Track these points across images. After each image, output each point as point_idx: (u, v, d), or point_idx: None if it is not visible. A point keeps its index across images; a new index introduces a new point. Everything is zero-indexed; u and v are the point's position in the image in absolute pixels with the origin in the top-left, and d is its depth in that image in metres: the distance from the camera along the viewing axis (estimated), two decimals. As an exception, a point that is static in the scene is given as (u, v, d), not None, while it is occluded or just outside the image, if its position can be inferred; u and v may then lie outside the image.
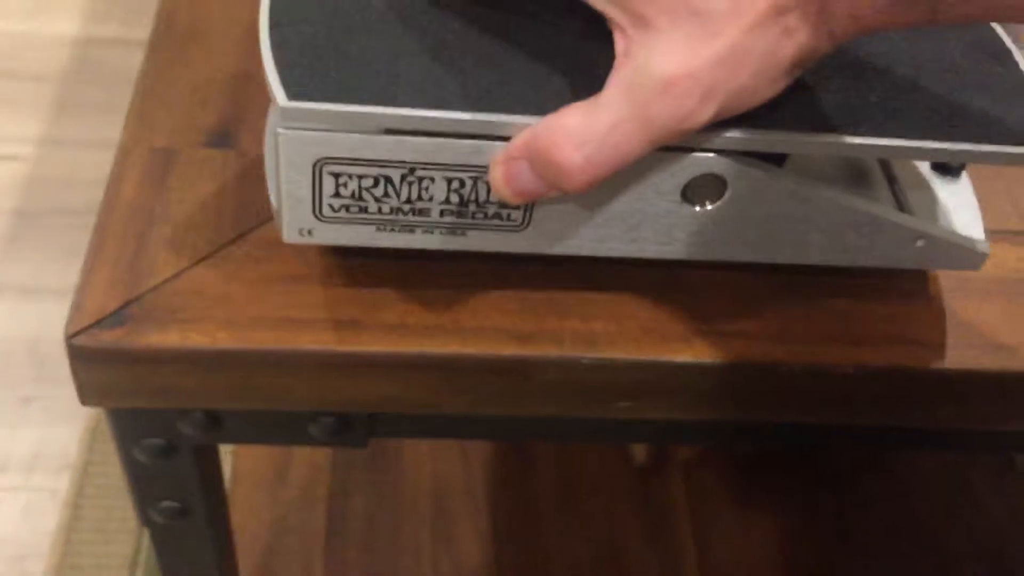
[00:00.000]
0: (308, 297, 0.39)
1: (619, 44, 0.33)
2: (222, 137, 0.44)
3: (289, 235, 0.37)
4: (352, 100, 0.33)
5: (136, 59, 0.48)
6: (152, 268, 0.39)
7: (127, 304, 0.38)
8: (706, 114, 0.32)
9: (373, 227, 0.37)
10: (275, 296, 0.39)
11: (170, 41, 0.48)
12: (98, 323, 0.37)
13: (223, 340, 0.38)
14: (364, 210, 0.36)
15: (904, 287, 0.42)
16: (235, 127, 0.45)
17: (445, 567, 0.74)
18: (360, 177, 0.35)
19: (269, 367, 0.38)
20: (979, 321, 0.41)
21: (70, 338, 0.37)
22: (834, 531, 0.79)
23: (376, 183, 0.35)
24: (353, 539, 0.76)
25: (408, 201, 0.36)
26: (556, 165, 0.33)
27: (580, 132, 0.32)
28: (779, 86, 0.33)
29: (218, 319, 0.38)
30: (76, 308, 0.38)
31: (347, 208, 0.36)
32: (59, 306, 0.99)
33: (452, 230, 0.37)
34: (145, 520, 0.47)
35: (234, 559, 0.56)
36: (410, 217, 0.37)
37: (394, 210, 0.37)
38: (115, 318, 0.38)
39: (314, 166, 0.35)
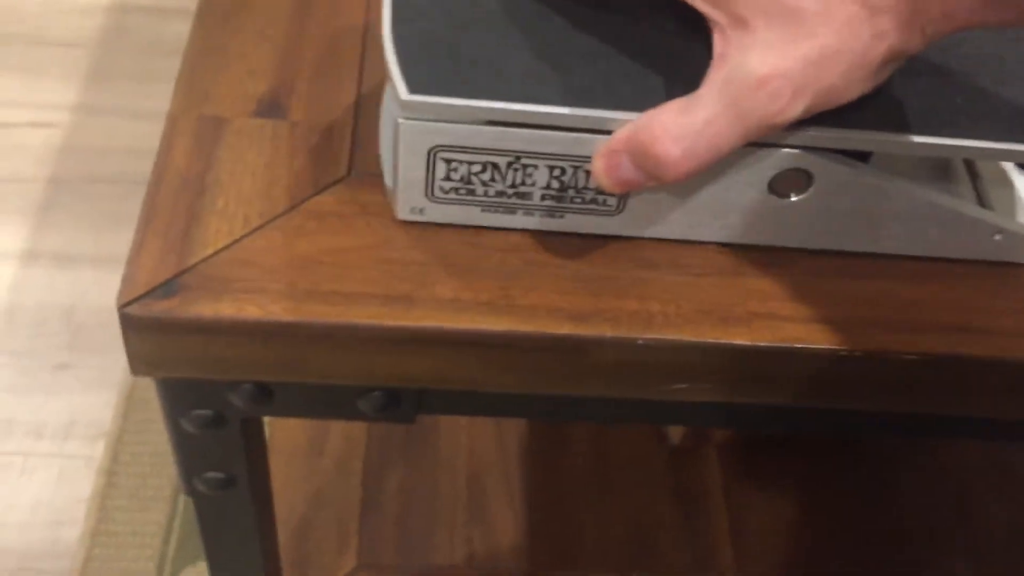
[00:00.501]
0: (361, 271, 0.39)
1: (717, 44, 0.35)
2: (272, 106, 0.44)
3: (403, 212, 0.40)
4: (464, 95, 0.36)
5: (171, 28, 0.47)
6: (204, 238, 0.39)
7: (179, 274, 0.38)
8: (796, 110, 0.34)
9: (479, 208, 0.40)
10: (328, 269, 0.39)
11: (218, 8, 0.48)
12: (150, 293, 0.37)
13: (276, 313, 0.37)
14: (472, 193, 0.39)
15: (970, 273, 0.41)
16: (285, 96, 0.44)
17: (477, 543, 0.74)
18: (470, 163, 0.38)
19: (321, 341, 0.38)
20: (1046, 309, 0.40)
21: (122, 308, 0.37)
22: (872, 516, 0.78)
23: (484, 169, 0.38)
24: (388, 513, 0.75)
25: (512, 186, 0.39)
26: (655, 158, 0.35)
27: (678, 127, 0.34)
28: (869, 85, 0.34)
29: (271, 291, 0.38)
30: (128, 278, 0.37)
31: (456, 191, 0.39)
32: (94, 274, 0.99)
33: (551, 212, 0.40)
34: (190, 490, 0.47)
35: (274, 530, 0.56)
36: (513, 200, 0.39)
37: (499, 193, 0.39)
38: (167, 288, 0.37)
39: (429, 152, 0.37)
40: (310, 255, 0.39)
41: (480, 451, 0.79)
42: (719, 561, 0.75)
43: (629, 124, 0.36)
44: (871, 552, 0.77)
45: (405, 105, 0.36)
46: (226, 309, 0.37)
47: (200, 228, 0.39)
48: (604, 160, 0.36)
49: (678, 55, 0.38)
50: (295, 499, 0.75)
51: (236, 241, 0.39)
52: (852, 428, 0.44)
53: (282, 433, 0.78)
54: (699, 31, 0.37)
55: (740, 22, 0.33)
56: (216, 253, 0.38)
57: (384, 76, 0.40)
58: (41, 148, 1.14)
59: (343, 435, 0.78)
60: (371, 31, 0.48)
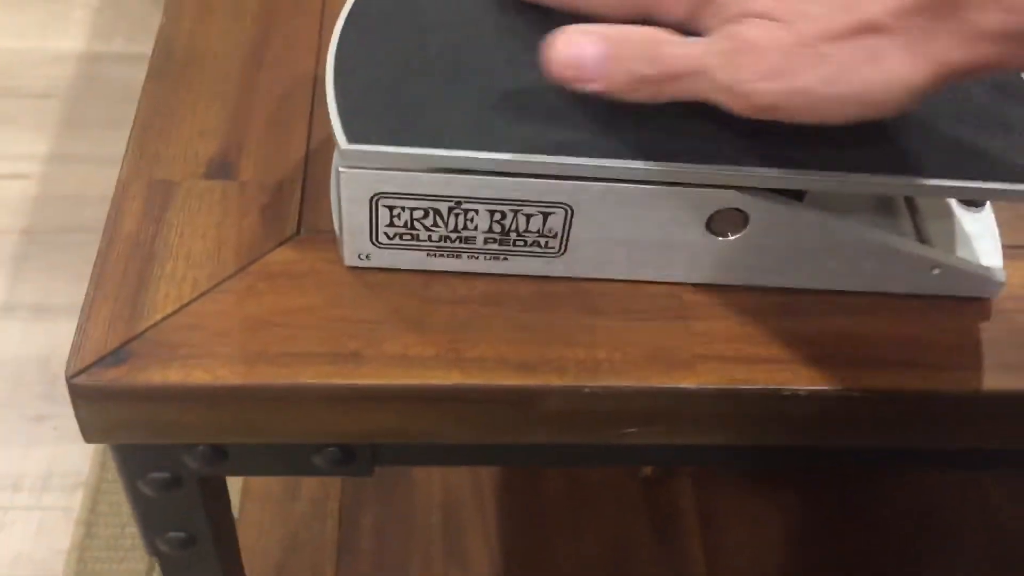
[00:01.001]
0: (310, 330, 0.39)
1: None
2: (222, 167, 0.44)
3: (349, 259, 0.41)
4: (403, 143, 0.37)
5: (143, 74, 0.48)
6: (153, 304, 0.39)
7: (128, 341, 0.38)
8: (762, 91, 0.33)
9: (424, 252, 0.40)
10: (277, 329, 0.39)
11: (169, 68, 0.48)
12: (99, 362, 0.37)
13: (225, 376, 0.38)
14: (416, 238, 0.40)
15: (912, 308, 0.42)
16: (235, 156, 0.45)
17: (456, 581, 0.74)
18: (412, 209, 0.39)
19: (271, 402, 0.38)
20: (990, 340, 0.41)
21: (71, 378, 0.37)
22: (845, 538, 0.79)
23: (426, 214, 0.39)
24: (364, 554, 0.76)
25: (455, 230, 0.39)
26: (630, 63, 0.34)
27: (669, 51, 0.34)
28: (854, 103, 0.33)
29: (220, 355, 0.38)
30: (76, 348, 0.38)
31: (400, 236, 0.40)
32: (70, 324, 0.99)
33: (495, 256, 0.41)
34: (153, 550, 0.47)
35: (244, 581, 0.57)
36: (457, 244, 0.40)
37: (442, 238, 0.40)
38: (116, 356, 0.38)
39: (371, 200, 0.38)
40: (260, 316, 0.39)
41: (455, 485, 0.79)
42: (696, 586, 0.76)
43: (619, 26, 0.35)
44: (844, 570, 0.77)
45: (344, 154, 0.37)
46: (174, 375, 0.37)
47: (149, 294, 0.40)
48: (570, 34, 0.35)
49: (617, 102, 0.38)
50: (270, 544, 0.75)
51: (185, 305, 0.39)
52: (806, 461, 0.45)
53: (257, 479, 0.79)
54: None
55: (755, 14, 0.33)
56: (165, 319, 0.39)
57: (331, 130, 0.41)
58: (15, 200, 1.14)
59: (318, 477, 0.79)
60: (321, 81, 0.48)
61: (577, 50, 0.35)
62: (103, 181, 0.44)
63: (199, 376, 0.37)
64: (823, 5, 0.32)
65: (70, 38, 1.31)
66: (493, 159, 0.37)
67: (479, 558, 0.76)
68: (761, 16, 0.33)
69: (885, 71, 0.32)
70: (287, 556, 0.75)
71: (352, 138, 0.36)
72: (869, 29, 0.32)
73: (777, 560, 0.77)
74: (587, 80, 0.35)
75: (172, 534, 0.46)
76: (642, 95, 0.35)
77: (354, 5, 0.41)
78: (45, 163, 1.18)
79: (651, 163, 0.37)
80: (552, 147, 0.37)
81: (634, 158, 0.37)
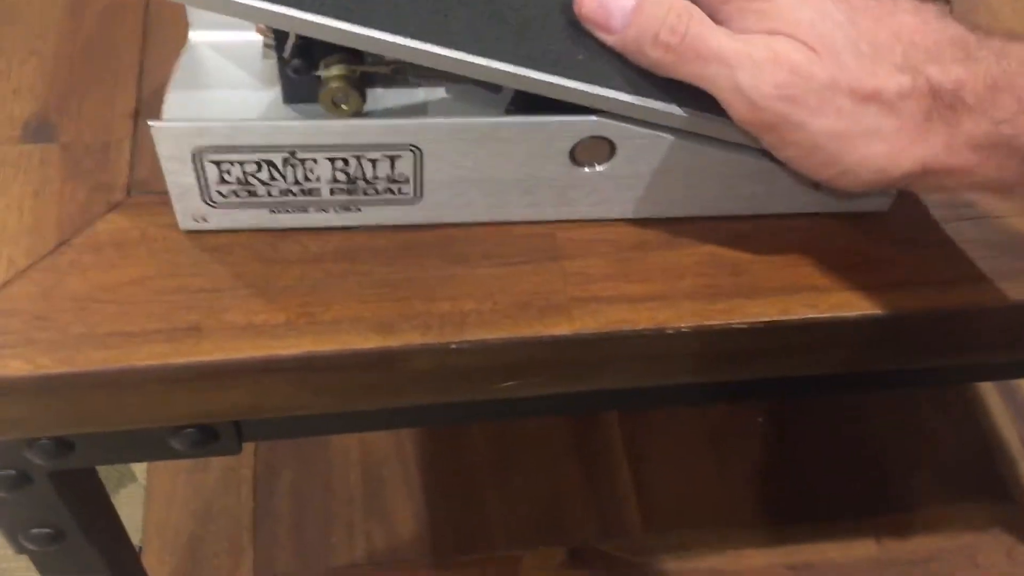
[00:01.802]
0: (143, 305, 0.35)
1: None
2: (41, 129, 0.40)
3: (184, 223, 0.37)
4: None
5: None
6: (-38, 290, 0.35)
7: (-65, 335, 0.34)
8: (774, 109, 0.32)
9: (266, 209, 0.37)
10: (106, 307, 0.35)
11: (-20, 23, 0.43)
12: (-100, 361, 0.33)
13: (47, 365, 0.34)
14: (253, 194, 0.36)
15: (797, 227, 0.39)
16: (56, 116, 0.40)
17: (378, 538, 0.72)
18: (242, 163, 0.35)
19: (102, 389, 0.35)
20: (880, 258, 0.38)
21: None
22: (776, 462, 0.77)
23: (260, 168, 0.35)
24: (282, 518, 0.73)
25: (296, 182, 0.36)
26: (655, 27, 0.33)
27: (697, 31, 0.33)
28: (838, 168, 0.33)
29: (41, 341, 0.34)
30: None
31: (236, 193, 0.36)
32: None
33: (346, 206, 0.37)
34: (19, 548, 0.44)
35: (136, 565, 0.53)
36: (301, 198, 0.36)
37: (283, 192, 0.36)
38: (-79, 353, 0.34)
39: (193, 156, 0.34)
40: (85, 294, 0.35)
41: (373, 440, 0.76)
42: (626, 522, 0.74)
43: None
44: (782, 497, 0.76)
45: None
46: (-12, 369, 0.33)
47: (-42, 279, 0.35)
48: None
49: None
50: (182, 517, 0.72)
51: (1, 288, 0.35)
52: (699, 400, 0.42)
53: (161, 451, 0.75)
54: None
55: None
56: (-25, 306, 0.35)
57: (164, 78, 0.37)
58: None
59: (226, 445, 0.75)
60: (150, 24, 0.44)
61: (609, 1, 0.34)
62: None
63: (17, 367, 0.34)
64: (854, 56, 0.32)
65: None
66: (357, 33, 0.32)
67: (403, 513, 0.73)
68: (792, 36, 0.32)
69: (879, 152, 0.32)
70: (202, 527, 0.72)
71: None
72: (883, 101, 0.32)
73: (705, 492, 0.75)
74: (606, 30, 0.34)
75: (35, 531, 0.43)
76: (647, 62, 0.34)
77: None
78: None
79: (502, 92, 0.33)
80: (435, 36, 0.33)
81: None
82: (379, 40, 0.32)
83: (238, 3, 0.31)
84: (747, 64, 0.32)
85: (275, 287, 0.36)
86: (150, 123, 0.33)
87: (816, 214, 0.39)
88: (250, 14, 0.32)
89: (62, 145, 0.39)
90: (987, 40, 0.32)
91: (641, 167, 0.37)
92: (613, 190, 0.37)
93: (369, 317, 0.36)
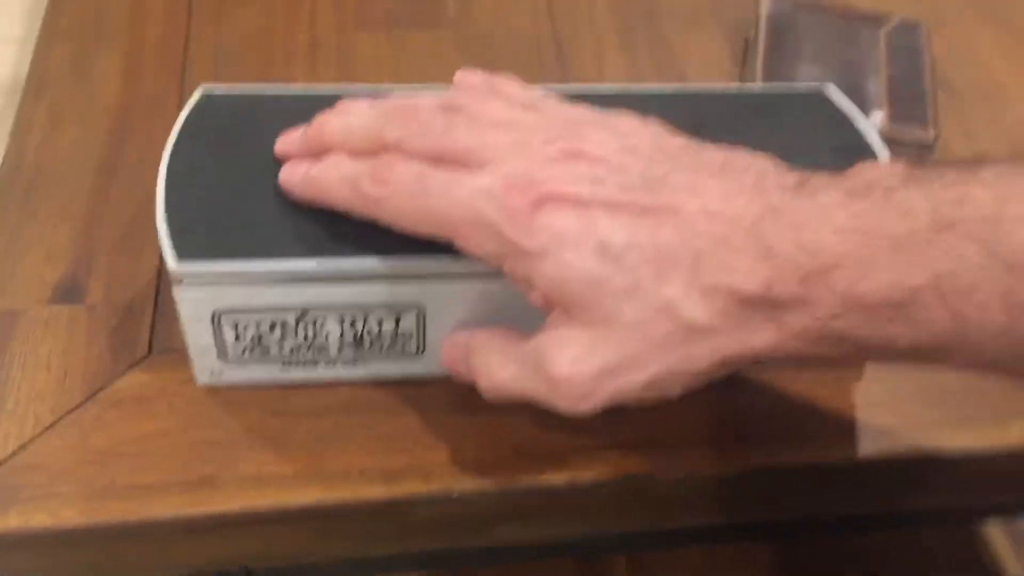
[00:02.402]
0: (161, 457, 0.37)
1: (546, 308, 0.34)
2: (70, 291, 0.43)
3: (201, 378, 0.39)
4: (240, 255, 0.35)
5: None
6: (-8, 445, 0.37)
7: (-36, 490, 0.36)
8: (582, 410, 0.33)
9: (278, 365, 0.39)
10: (126, 460, 0.37)
11: (15, 189, 0.47)
12: (-69, 515, 0.35)
13: (69, 518, 0.36)
14: (267, 352, 0.38)
15: (780, 377, 0.41)
16: (84, 278, 0.43)
17: None
18: (257, 323, 0.37)
19: (122, 540, 0.36)
20: (862, 406, 0.40)
21: (-100, 537, 0.35)
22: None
23: (273, 327, 0.37)
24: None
25: (306, 340, 0.38)
26: (476, 381, 0.36)
27: (494, 369, 0.35)
28: (676, 393, 0.33)
29: (63, 494, 0.36)
30: (-95, 503, 0.35)
31: (250, 350, 0.38)
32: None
33: (353, 361, 0.39)
34: None
35: None
36: (311, 354, 0.39)
37: (294, 349, 0.38)
38: (-49, 507, 0.36)
39: (212, 317, 0.37)
40: (107, 448, 0.38)
41: None
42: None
43: (469, 335, 0.37)
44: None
45: (176, 275, 0.35)
46: (13, 522, 0.35)
47: (-12, 435, 0.38)
48: (449, 350, 0.38)
49: None
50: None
51: (27, 444, 0.37)
52: (700, 540, 0.44)
53: None
54: None
55: (562, 311, 0.33)
56: (5, 461, 0.37)
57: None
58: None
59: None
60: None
61: (459, 368, 0.37)
62: None
63: (41, 520, 0.35)
64: (639, 304, 0.31)
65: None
66: (330, 265, 0.36)
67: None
68: (563, 312, 0.32)
69: (704, 366, 0.31)
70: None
71: (183, 255, 0.35)
72: (690, 330, 0.31)
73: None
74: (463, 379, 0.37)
75: None
76: None
77: (187, 119, 0.40)
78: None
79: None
80: (393, 249, 0.36)
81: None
82: (349, 265, 0.36)
83: (224, 272, 0.36)
84: (538, 394, 0.33)
85: (286, 439, 0.38)
86: (174, 289, 0.36)
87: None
88: (238, 279, 0.36)
89: (88, 306, 0.42)
90: (779, 219, 0.30)
91: None
92: None
93: (375, 467, 0.38)
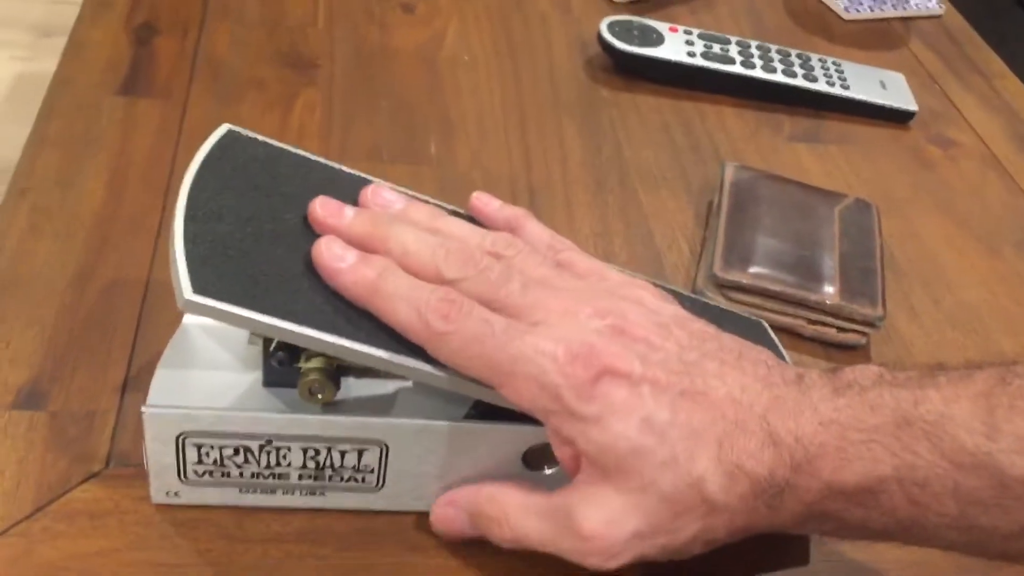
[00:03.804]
0: (109, 574, 0.37)
1: (567, 467, 0.37)
2: (32, 396, 0.43)
3: (157, 497, 0.39)
4: (252, 308, 0.35)
5: None
6: (-65, 552, 0.37)
7: (-99, 597, 0.35)
8: (609, 567, 0.35)
9: (236, 489, 0.39)
10: (71, 576, 0.37)
11: (-12, 291, 0.47)
12: None
13: (5, 634, 0.35)
14: (227, 475, 0.38)
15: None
16: (47, 386, 0.43)
17: None
18: (221, 447, 0.37)
19: (57, 660, 0.36)
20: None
21: None
22: None
23: (236, 452, 0.38)
24: None
25: (268, 467, 0.38)
26: (489, 532, 0.38)
27: (515, 522, 0.37)
28: (685, 556, 0.36)
29: (3, 609, 0.35)
30: None
31: (210, 473, 0.38)
32: None
33: (312, 491, 0.40)
34: None
35: None
36: (271, 480, 0.39)
37: (255, 475, 0.39)
38: None
39: (177, 438, 0.37)
40: (53, 562, 0.37)
41: None
42: None
43: (474, 489, 0.38)
44: None
45: (187, 305, 0.34)
46: (-53, 635, 0.34)
47: (-68, 540, 0.37)
48: (442, 511, 0.39)
49: None
50: None
51: (-29, 553, 0.37)
52: None
53: None
54: None
55: (602, 473, 0.35)
56: (-54, 569, 0.36)
57: (155, 355, 0.40)
58: None
59: None
60: (148, 303, 0.48)
61: (454, 527, 0.39)
62: None
63: (-25, 636, 0.35)
64: (672, 476, 0.34)
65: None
66: (339, 345, 0.36)
67: None
68: (603, 475, 0.35)
69: (717, 538, 0.35)
70: None
71: (198, 289, 0.34)
72: (711, 508, 0.34)
73: None
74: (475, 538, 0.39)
75: None
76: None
77: (210, 152, 0.40)
78: None
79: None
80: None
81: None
82: (359, 352, 0.36)
83: (233, 314, 0.35)
84: (564, 548, 0.36)
85: (237, 565, 0.38)
86: (143, 409, 0.36)
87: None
88: (245, 325, 0.35)
89: (50, 413, 0.42)
90: (780, 408, 0.34)
91: None
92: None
93: (324, 602, 0.37)
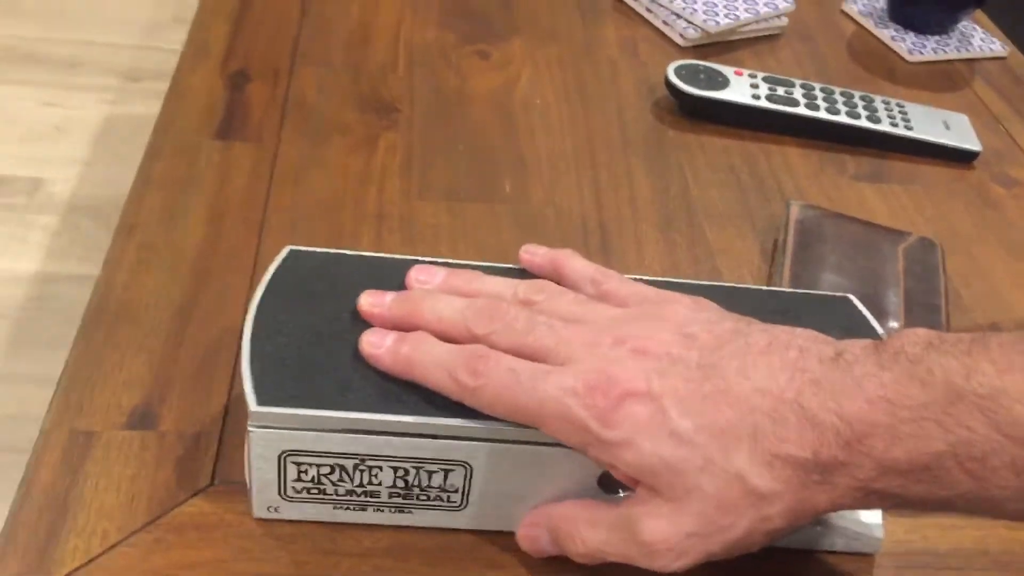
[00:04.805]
0: (214, 584, 0.40)
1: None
2: (143, 418, 0.46)
3: (259, 512, 0.42)
4: (311, 405, 0.39)
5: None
6: (61, 558, 0.40)
7: (31, 598, 0.39)
8: (678, 567, 0.37)
9: (331, 505, 0.42)
10: (181, 584, 0.40)
11: (101, 320, 0.51)
12: (0, 619, 0.38)
13: (124, 635, 0.38)
14: (323, 492, 0.42)
15: (796, 561, 0.44)
16: (157, 407, 0.47)
17: None
18: (319, 466, 0.41)
19: (169, 660, 0.39)
20: (869, 594, 0.43)
21: (-30, 637, 0.37)
22: None
23: (332, 471, 0.41)
24: None
25: (360, 485, 0.41)
26: (566, 548, 0.40)
27: (586, 536, 0.39)
28: (757, 547, 0.37)
29: (121, 611, 0.39)
30: (-21, 605, 0.38)
31: (308, 490, 0.41)
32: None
33: (400, 509, 0.42)
34: None
35: None
36: (363, 498, 0.42)
37: (348, 492, 0.42)
38: (17, 613, 0.38)
39: (279, 456, 0.40)
40: (165, 571, 0.40)
41: None
42: None
43: (550, 509, 0.41)
44: None
45: (254, 415, 0.39)
46: (73, 633, 0.38)
47: (58, 547, 0.40)
48: (527, 530, 0.42)
49: None
50: None
51: (92, 560, 0.40)
52: None
53: None
54: None
55: (647, 488, 0.37)
56: (71, 573, 0.40)
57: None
58: (-49, 419, 1.14)
59: None
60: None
61: (539, 545, 0.42)
62: (44, 401, 0.46)
63: (97, 634, 0.38)
64: (713, 478, 0.36)
65: (26, 259, 1.35)
66: (392, 421, 0.39)
67: None
68: (649, 489, 0.37)
69: (778, 525, 0.36)
70: None
71: (262, 400, 0.39)
72: (759, 497, 0.35)
73: None
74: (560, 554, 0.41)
75: None
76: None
77: (275, 274, 0.44)
78: (-13, 383, 1.19)
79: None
80: (450, 410, 0.40)
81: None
82: (409, 423, 0.39)
83: (293, 415, 0.39)
84: (634, 555, 0.37)
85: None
86: (250, 428, 0.39)
87: (813, 551, 0.44)
88: (306, 423, 0.39)
89: (160, 433, 0.46)
90: (820, 391, 0.35)
91: None
92: None
93: (411, 613, 0.40)
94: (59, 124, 1.54)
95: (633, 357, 0.38)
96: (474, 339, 0.40)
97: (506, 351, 0.39)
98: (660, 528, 0.36)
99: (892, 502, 0.35)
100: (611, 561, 0.39)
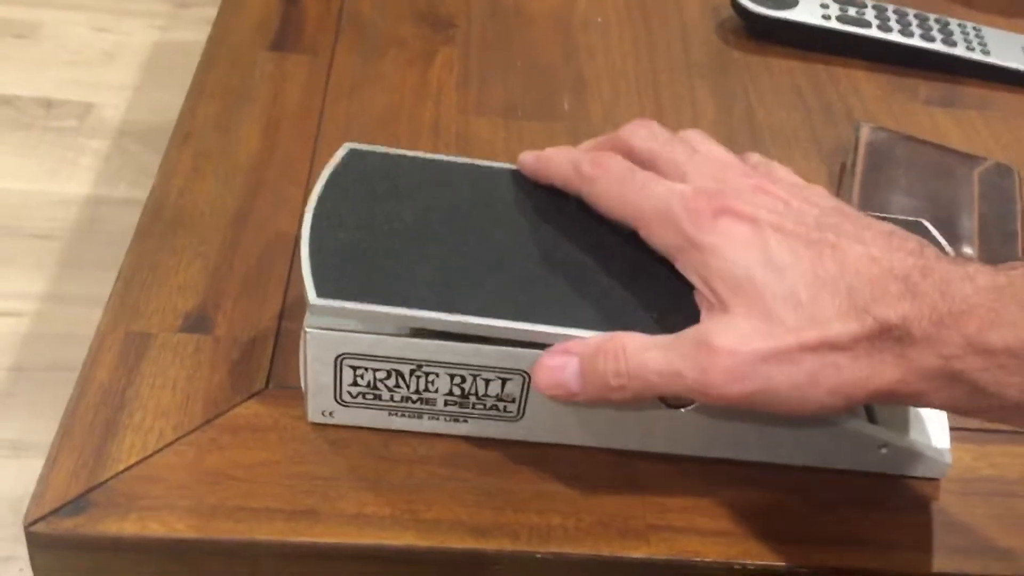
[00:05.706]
0: (268, 485, 0.40)
1: (703, 310, 0.37)
2: (199, 321, 0.46)
3: (313, 416, 0.42)
4: (370, 301, 0.38)
5: None
6: (118, 454, 0.40)
7: (88, 491, 0.39)
8: (731, 393, 0.35)
9: (386, 412, 0.41)
10: (236, 484, 0.40)
11: (156, 227, 0.50)
12: (57, 511, 0.38)
13: (180, 530, 0.38)
14: (378, 397, 0.41)
15: (860, 484, 0.43)
16: (212, 312, 0.46)
17: None
18: (375, 370, 0.40)
19: (226, 557, 0.39)
20: (937, 522, 0.42)
21: (28, 526, 0.37)
22: None
23: (389, 375, 0.40)
24: None
25: (416, 391, 0.41)
26: (599, 372, 0.37)
27: (632, 351, 0.37)
28: (812, 407, 0.35)
29: (178, 508, 0.39)
30: (37, 496, 0.38)
31: (364, 395, 0.41)
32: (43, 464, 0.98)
33: (455, 417, 0.42)
34: None
35: None
36: (418, 405, 0.41)
37: (404, 399, 0.41)
38: (75, 506, 0.38)
39: (336, 359, 0.40)
40: (221, 470, 0.40)
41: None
42: None
43: (600, 337, 0.38)
44: None
45: (313, 309, 0.38)
46: (130, 527, 0.38)
47: (115, 443, 0.40)
48: (550, 359, 0.38)
49: (585, 271, 0.40)
50: None
51: (148, 456, 0.40)
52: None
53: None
54: (612, 247, 0.41)
55: (723, 305, 0.36)
56: (128, 469, 0.40)
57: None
58: (6, 336, 1.16)
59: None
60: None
61: (559, 375, 0.38)
62: (94, 321, 0.46)
63: (154, 528, 0.38)
64: (794, 313, 0.35)
65: (76, 183, 1.35)
66: (453, 321, 0.38)
67: None
68: (723, 305, 0.36)
69: (841, 383, 0.35)
70: None
71: (321, 293, 0.38)
72: (834, 347, 0.34)
73: None
74: (572, 396, 0.38)
75: None
76: (619, 400, 0.37)
77: (334, 170, 0.43)
78: (39, 302, 1.20)
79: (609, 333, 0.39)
80: (511, 312, 0.39)
81: (593, 328, 0.38)
82: (471, 324, 0.38)
83: (352, 310, 0.38)
84: (687, 366, 0.35)
85: (385, 482, 0.41)
86: (306, 328, 0.39)
87: (879, 474, 0.43)
88: (365, 317, 0.39)
89: (215, 337, 0.45)
90: (929, 275, 0.34)
91: (723, 413, 0.41)
92: (693, 430, 0.42)
93: (466, 520, 0.40)
94: (110, 50, 1.54)
95: (753, 191, 0.38)
96: (618, 139, 0.42)
97: (640, 154, 0.41)
98: (729, 340, 0.35)
99: (962, 391, 0.34)
100: (643, 397, 0.37)
